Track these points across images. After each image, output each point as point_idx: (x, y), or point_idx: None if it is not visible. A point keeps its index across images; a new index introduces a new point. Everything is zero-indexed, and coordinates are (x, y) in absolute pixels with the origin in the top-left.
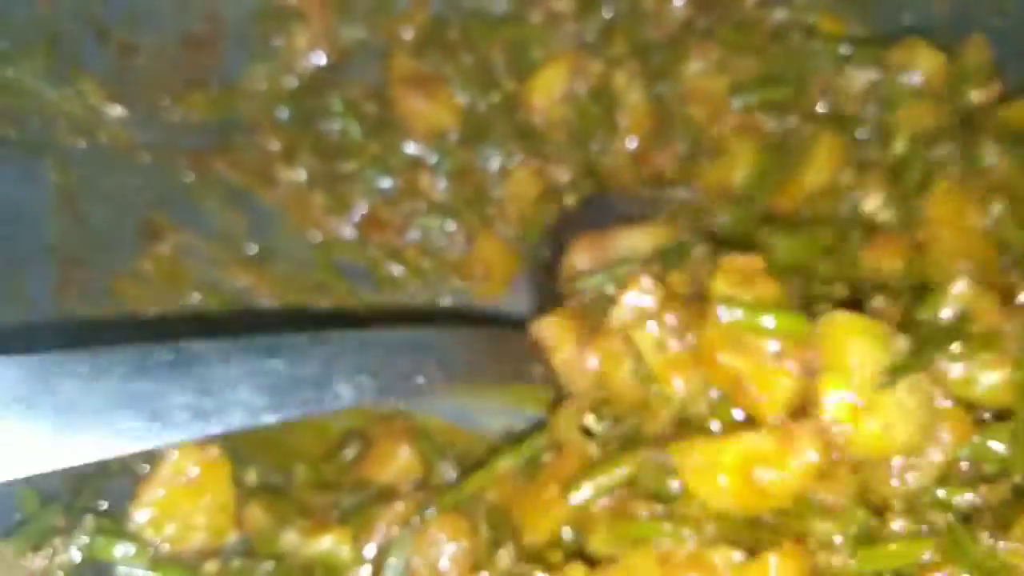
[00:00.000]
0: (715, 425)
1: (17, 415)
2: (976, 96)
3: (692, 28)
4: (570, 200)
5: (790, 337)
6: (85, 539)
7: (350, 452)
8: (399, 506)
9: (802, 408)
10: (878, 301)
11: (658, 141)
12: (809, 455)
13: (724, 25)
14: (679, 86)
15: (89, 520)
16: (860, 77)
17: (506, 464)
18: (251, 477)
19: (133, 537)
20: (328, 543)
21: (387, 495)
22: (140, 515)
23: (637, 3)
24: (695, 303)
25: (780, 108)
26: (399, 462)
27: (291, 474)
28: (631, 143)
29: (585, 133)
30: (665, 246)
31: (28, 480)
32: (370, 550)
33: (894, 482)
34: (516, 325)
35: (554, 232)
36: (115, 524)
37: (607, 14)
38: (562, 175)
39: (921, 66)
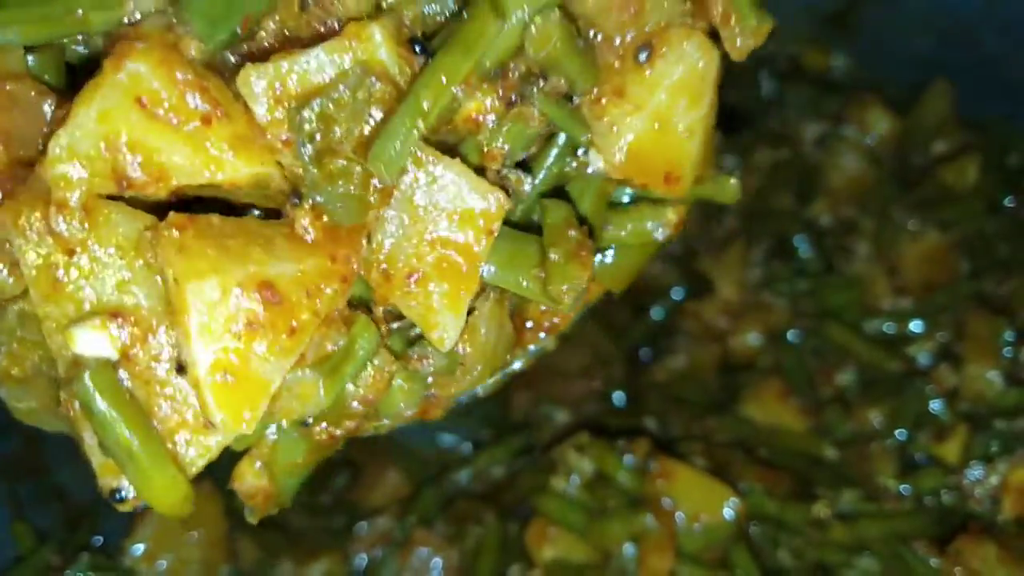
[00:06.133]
0: None
1: None
2: (934, 148)
3: None
4: None
5: None
6: None
7: (341, 479)
8: (382, 523)
9: None
10: None
11: None
12: None
13: None
14: None
15: (84, 557)
16: (813, 129)
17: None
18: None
19: (127, 573)
20: (320, 570)
21: (372, 514)
22: (134, 550)
23: None
24: None
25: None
26: (387, 484)
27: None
28: None
29: None
30: None
31: (25, 517)
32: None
33: None
34: None
35: None
36: (109, 560)
37: None
38: None
39: (875, 127)
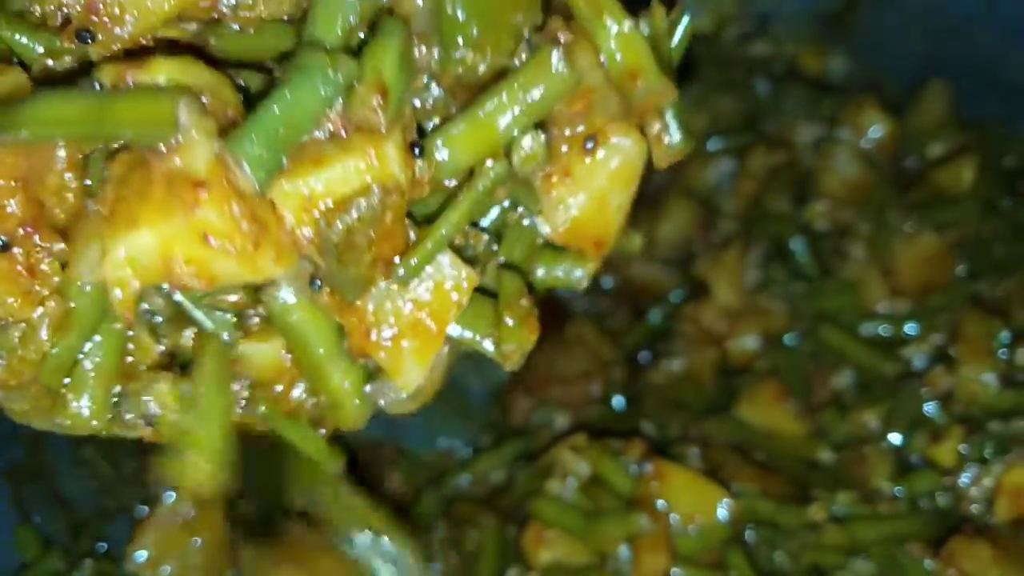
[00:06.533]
0: None
1: None
2: (930, 150)
3: None
4: None
5: None
6: None
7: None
8: None
9: None
10: None
11: None
12: None
13: (704, 62)
14: None
15: (88, 564)
16: (809, 132)
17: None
18: (245, 510)
19: None
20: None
21: None
22: (138, 557)
23: None
24: None
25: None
26: (387, 488)
27: (285, 509)
28: None
29: None
30: None
31: (30, 523)
32: None
33: None
34: None
35: None
36: (113, 567)
37: None
38: None
39: (871, 130)
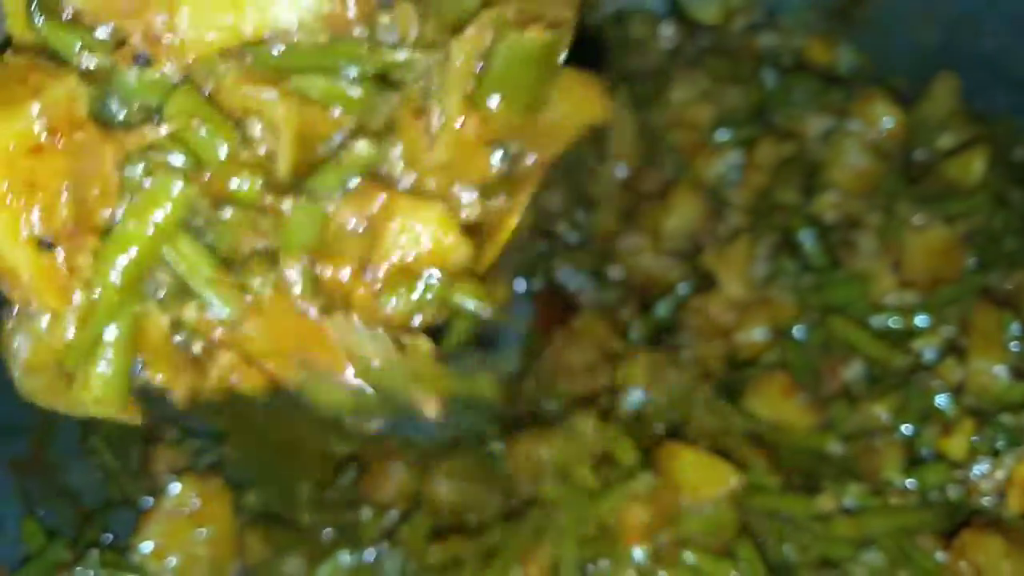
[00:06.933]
0: None
1: None
2: (940, 142)
3: (679, 56)
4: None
5: None
6: (90, 573)
7: (347, 476)
8: (389, 517)
9: None
10: None
11: (645, 167)
12: None
13: (712, 53)
14: (664, 114)
15: (94, 554)
16: (818, 123)
17: None
18: (251, 501)
19: (136, 570)
20: (329, 565)
21: (379, 508)
22: (143, 548)
23: (625, 31)
24: None
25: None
26: (394, 480)
27: (292, 499)
28: (620, 170)
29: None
30: None
31: (35, 514)
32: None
33: None
34: None
35: None
36: (119, 557)
37: None
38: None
39: (880, 121)
